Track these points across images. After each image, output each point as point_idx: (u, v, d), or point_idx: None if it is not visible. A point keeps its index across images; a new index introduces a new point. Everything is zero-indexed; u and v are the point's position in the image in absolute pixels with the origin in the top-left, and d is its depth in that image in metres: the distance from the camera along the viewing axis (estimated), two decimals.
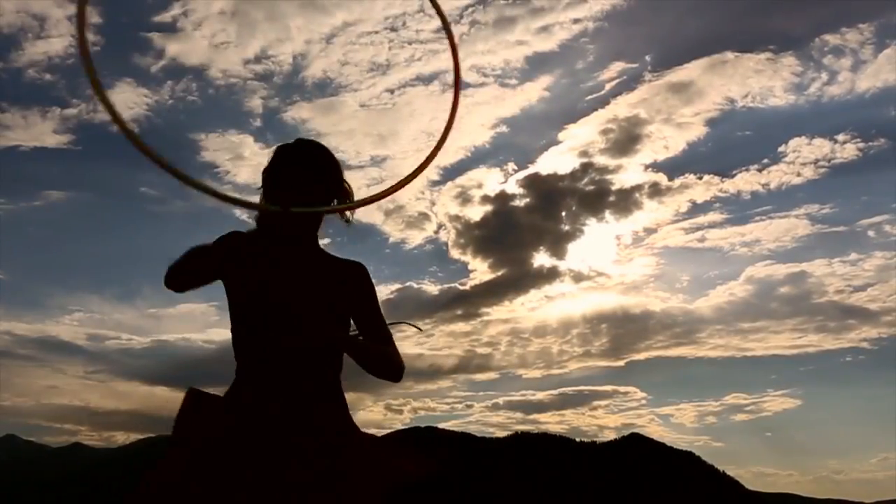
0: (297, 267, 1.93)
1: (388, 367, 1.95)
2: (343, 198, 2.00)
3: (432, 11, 2.09)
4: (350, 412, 1.93)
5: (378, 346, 1.96)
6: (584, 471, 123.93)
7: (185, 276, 1.95)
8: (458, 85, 2.09)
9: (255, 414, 1.78)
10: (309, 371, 1.86)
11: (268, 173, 1.98)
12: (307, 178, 1.93)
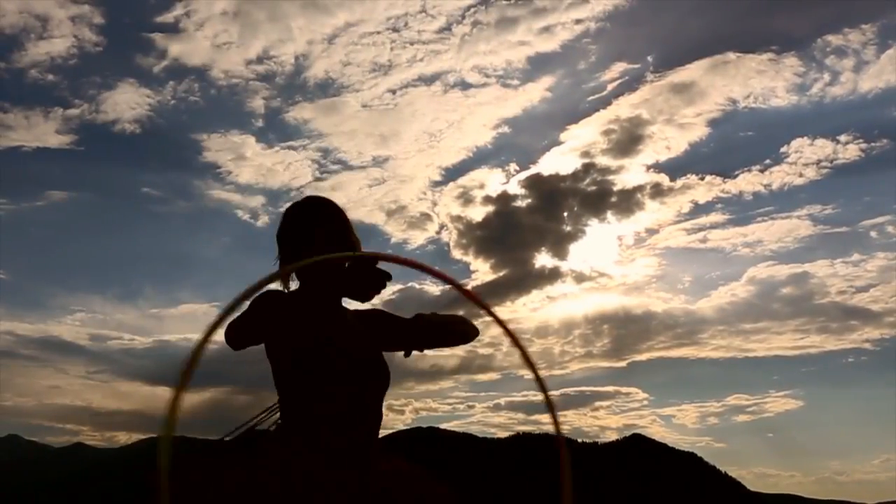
0: (345, 319, 2.01)
1: (459, 326, 2.08)
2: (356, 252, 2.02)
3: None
4: None
5: (439, 315, 2.09)
6: (587, 471, 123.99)
7: (251, 339, 1.92)
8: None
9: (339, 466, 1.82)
10: (371, 418, 1.93)
11: (289, 233, 2.01)
12: (336, 235, 1.99)
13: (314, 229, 1.98)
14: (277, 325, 1.91)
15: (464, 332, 2.10)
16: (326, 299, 1.99)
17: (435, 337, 2.07)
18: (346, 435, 1.86)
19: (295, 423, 1.90)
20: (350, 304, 2.07)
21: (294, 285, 2.04)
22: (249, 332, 1.89)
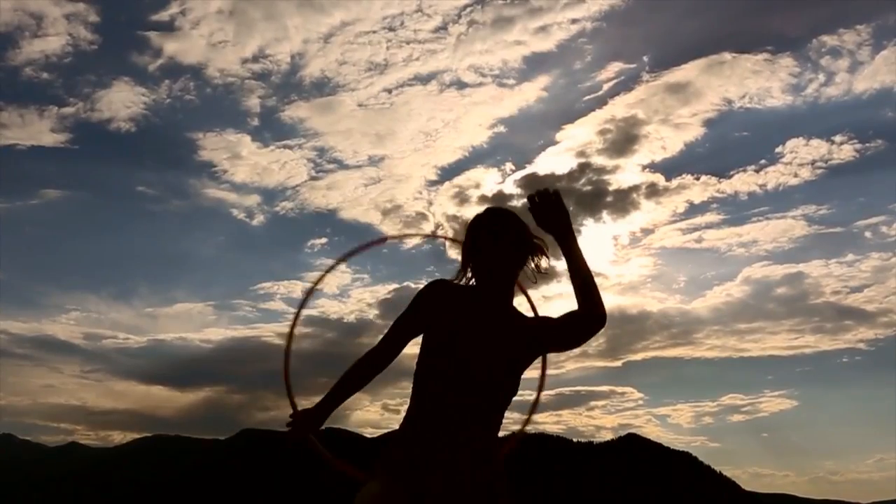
0: (493, 322, 2.06)
1: (595, 289, 2.19)
2: (541, 255, 2.23)
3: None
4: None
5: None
6: (582, 471, 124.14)
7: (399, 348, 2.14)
8: None
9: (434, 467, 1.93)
10: (476, 427, 1.98)
11: (474, 242, 2.11)
12: (518, 243, 2.14)
13: (498, 238, 2.08)
14: (436, 312, 2.05)
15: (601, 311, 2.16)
16: (490, 298, 2.08)
17: (589, 276, 2.21)
18: (448, 438, 1.93)
19: (409, 413, 2.02)
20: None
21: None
22: (407, 329, 2.10)
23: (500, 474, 2.01)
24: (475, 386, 1.95)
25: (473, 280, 2.12)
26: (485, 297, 2.08)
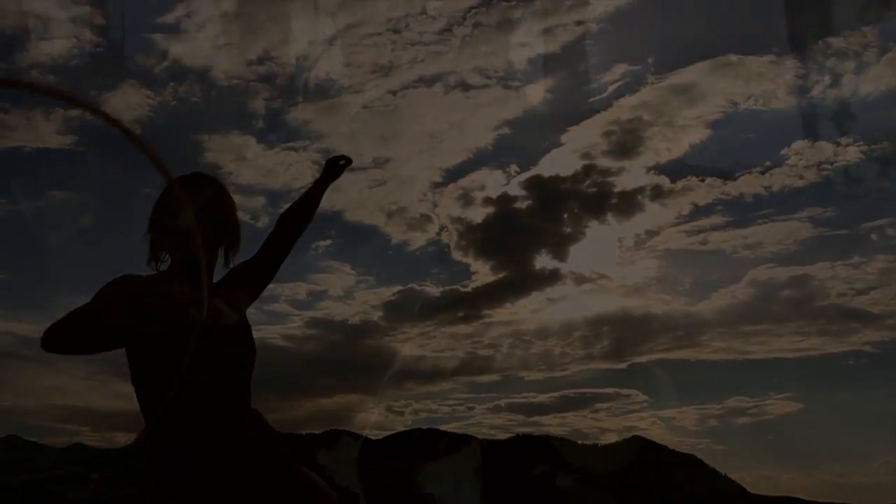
0: (212, 292, 1.89)
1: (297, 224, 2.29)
2: (235, 243, 2.01)
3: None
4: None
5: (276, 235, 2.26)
6: (586, 473, 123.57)
7: (98, 335, 1.75)
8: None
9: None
10: (239, 396, 1.87)
11: (169, 205, 1.92)
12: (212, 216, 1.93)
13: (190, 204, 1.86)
14: (137, 313, 1.69)
15: (298, 227, 2.24)
16: (190, 274, 1.81)
17: (284, 248, 2.21)
18: (210, 417, 1.78)
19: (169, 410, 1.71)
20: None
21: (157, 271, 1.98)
22: (102, 329, 1.72)
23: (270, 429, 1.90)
24: (233, 364, 1.84)
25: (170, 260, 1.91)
26: (190, 277, 1.80)
